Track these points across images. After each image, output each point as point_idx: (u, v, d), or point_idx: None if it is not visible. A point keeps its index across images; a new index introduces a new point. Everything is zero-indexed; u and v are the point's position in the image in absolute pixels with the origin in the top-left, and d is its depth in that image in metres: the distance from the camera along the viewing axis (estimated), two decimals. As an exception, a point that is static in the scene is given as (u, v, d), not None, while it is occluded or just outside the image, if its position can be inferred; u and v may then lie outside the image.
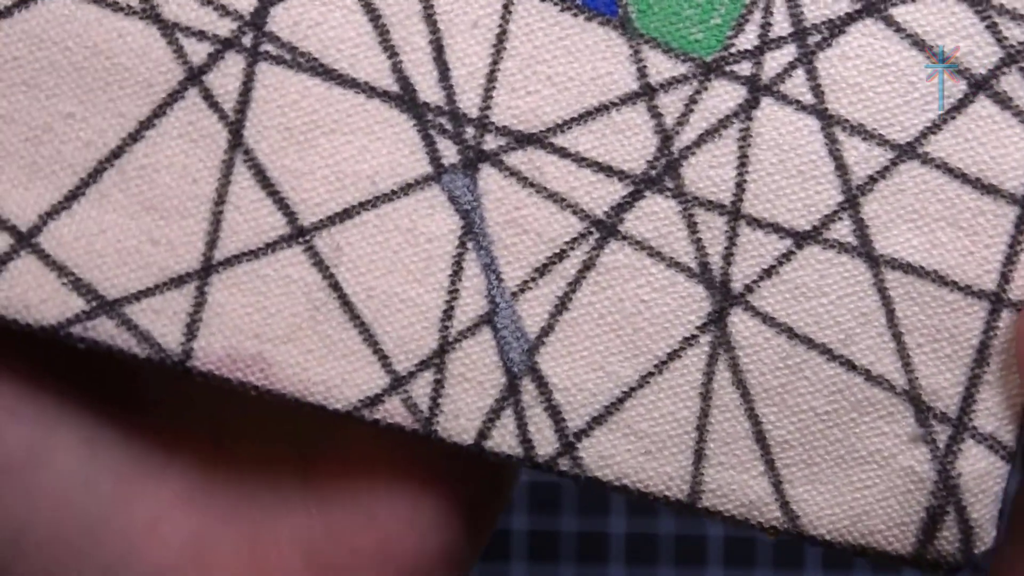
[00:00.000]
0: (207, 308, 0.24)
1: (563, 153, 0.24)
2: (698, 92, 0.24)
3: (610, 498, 0.60)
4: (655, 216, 0.24)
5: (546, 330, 0.24)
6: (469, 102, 0.24)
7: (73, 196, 0.24)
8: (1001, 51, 0.24)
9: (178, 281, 0.24)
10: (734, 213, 0.24)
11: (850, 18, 0.24)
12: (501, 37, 0.24)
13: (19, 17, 0.24)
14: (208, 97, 0.24)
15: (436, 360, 0.24)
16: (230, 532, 0.26)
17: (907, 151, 0.24)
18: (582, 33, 0.24)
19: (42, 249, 0.24)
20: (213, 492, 0.26)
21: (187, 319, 0.24)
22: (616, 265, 0.24)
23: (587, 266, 0.24)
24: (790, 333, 0.24)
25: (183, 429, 0.26)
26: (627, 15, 0.24)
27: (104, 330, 0.24)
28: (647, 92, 0.24)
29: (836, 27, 0.24)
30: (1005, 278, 0.24)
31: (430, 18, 0.24)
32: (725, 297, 0.24)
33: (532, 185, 0.24)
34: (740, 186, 0.24)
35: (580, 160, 0.24)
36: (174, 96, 0.24)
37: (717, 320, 0.24)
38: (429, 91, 0.24)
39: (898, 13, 0.24)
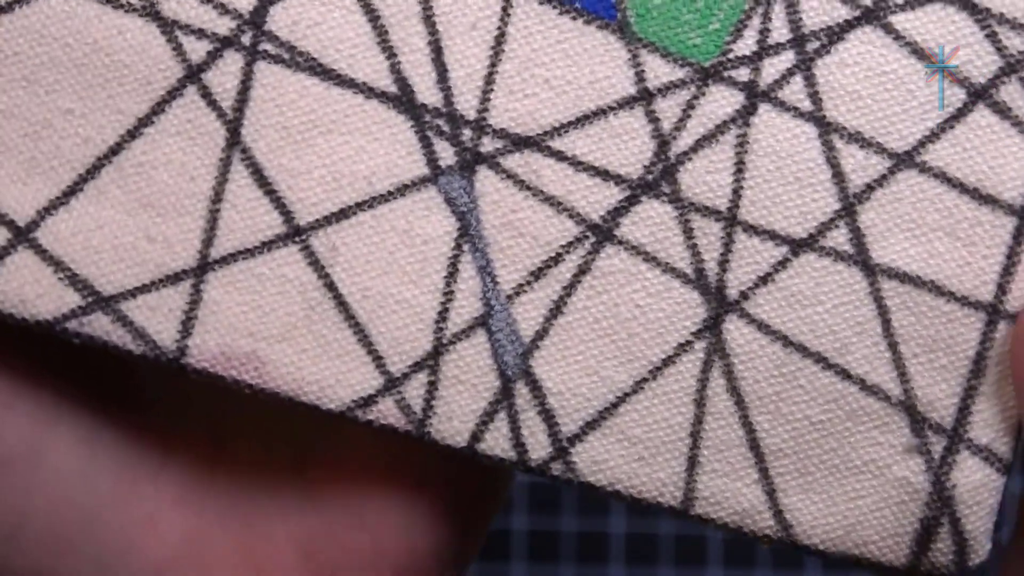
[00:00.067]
0: (202, 306, 0.24)
1: (560, 157, 0.24)
2: (696, 97, 0.24)
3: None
4: (651, 221, 0.24)
5: (540, 334, 0.24)
6: (467, 104, 0.24)
7: (71, 192, 0.24)
8: (1001, 60, 0.24)
9: (174, 278, 0.24)
10: (730, 219, 0.24)
11: (849, 25, 0.24)
12: (500, 39, 0.24)
13: (20, 13, 0.24)
14: (207, 95, 0.24)
15: (430, 362, 0.24)
16: (226, 529, 0.26)
17: (905, 160, 0.24)
18: (580, 36, 0.24)
19: (39, 244, 0.24)
20: (210, 491, 0.26)
21: (182, 316, 0.24)
22: (612, 270, 0.24)
23: (582, 270, 0.24)
24: (785, 341, 0.24)
25: (181, 429, 0.26)
26: (626, 19, 0.24)
27: (99, 326, 0.24)
28: (645, 97, 0.24)
29: (835, 34, 0.24)
30: (1002, 289, 0.24)
31: (429, 19, 0.24)
32: (720, 304, 0.24)
33: (529, 188, 0.24)
34: (737, 192, 0.24)
35: (577, 164, 0.24)
36: (173, 94, 0.24)
37: (712, 327, 0.24)
38: (427, 92, 0.24)
39: (897, 21, 0.24)
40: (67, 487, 0.25)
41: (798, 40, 0.24)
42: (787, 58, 0.24)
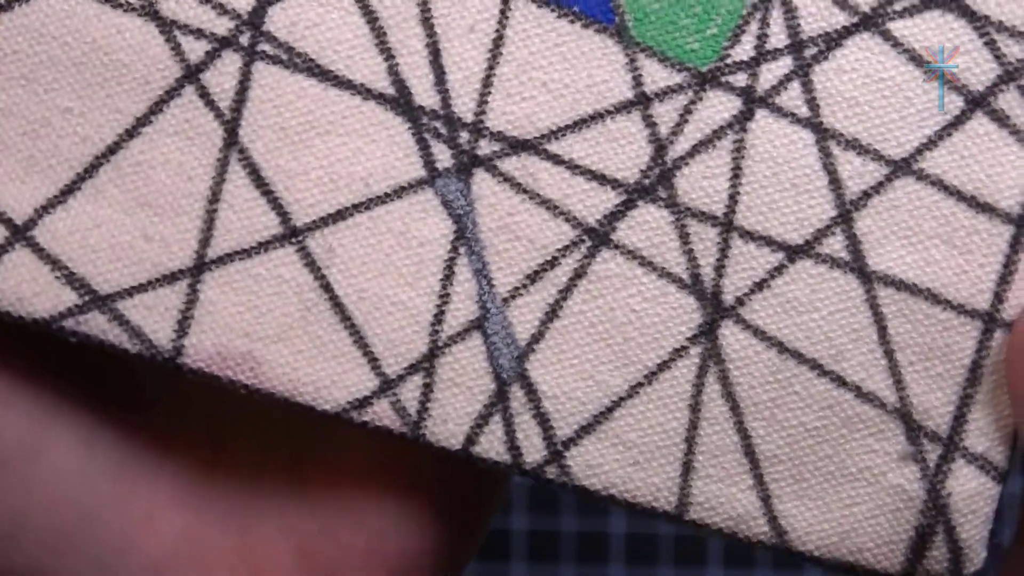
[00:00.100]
0: (199, 306, 0.24)
1: (557, 160, 0.24)
2: (693, 102, 0.24)
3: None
4: (647, 226, 0.24)
5: (536, 337, 0.24)
6: (464, 106, 0.24)
7: (69, 191, 0.24)
8: (999, 68, 0.23)
9: (171, 278, 0.24)
10: (727, 225, 0.24)
11: (847, 31, 0.24)
12: (497, 42, 0.24)
13: (19, 11, 0.24)
14: (204, 95, 0.24)
15: (426, 364, 0.24)
16: (225, 529, 0.26)
17: (902, 167, 0.24)
18: (578, 40, 0.24)
19: (37, 242, 0.24)
20: (209, 490, 0.26)
21: (178, 316, 0.24)
22: (608, 274, 0.24)
23: (578, 274, 0.24)
24: (780, 347, 0.24)
25: (180, 429, 0.26)
26: (624, 23, 0.24)
27: (96, 324, 0.24)
28: (642, 101, 0.24)
29: (833, 40, 0.24)
30: (999, 298, 0.24)
31: (427, 21, 0.24)
32: (716, 309, 0.24)
33: (525, 191, 0.24)
34: (733, 198, 0.24)
35: (574, 167, 0.24)
36: (171, 93, 0.24)
37: (708, 332, 0.24)
38: (425, 94, 0.24)
39: (895, 27, 0.24)
40: (66, 486, 0.25)
41: (796, 46, 0.24)
42: (785, 64, 0.24)
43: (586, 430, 0.24)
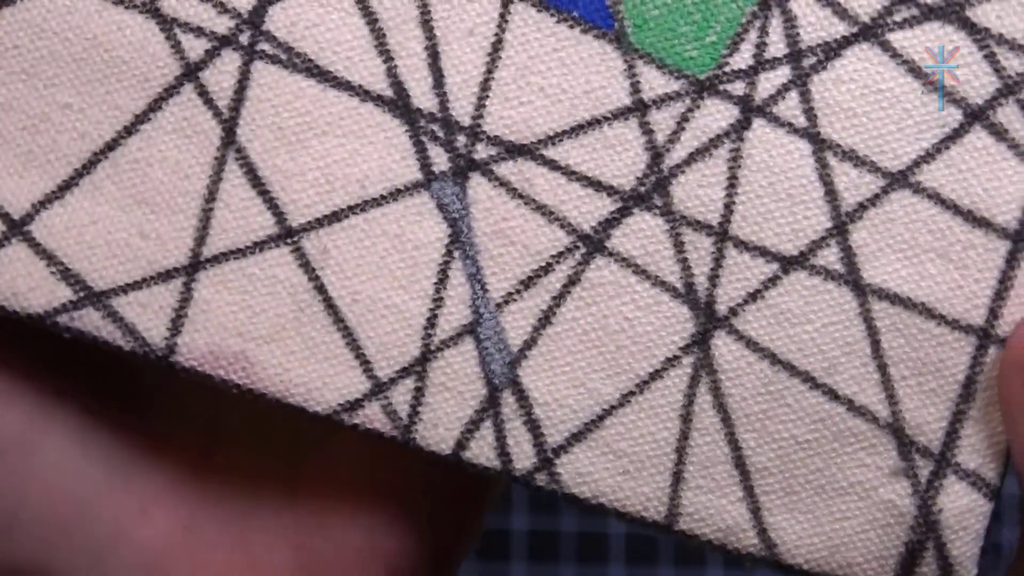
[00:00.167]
0: (192, 304, 0.24)
1: (553, 166, 0.24)
2: (690, 110, 0.24)
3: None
4: (642, 234, 0.24)
5: (529, 343, 0.24)
6: (462, 110, 0.24)
7: (66, 186, 0.24)
8: (999, 81, 0.23)
9: (165, 276, 0.24)
10: (721, 234, 0.24)
11: (846, 42, 0.23)
12: (496, 46, 0.24)
13: (21, 6, 0.24)
14: (203, 94, 0.24)
15: (417, 368, 0.24)
16: (220, 521, 0.26)
17: (899, 179, 0.24)
18: (577, 45, 0.24)
19: (33, 238, 0.24)
20: (204, 484, 0.26)
21: (172, 314, 0.24)
22: (601, 281, 0.24)
23: (572, 281, 0.24)
24: (773, 359, 0.24)
25: (177, 425, 0.26)
26: (623, 29, 0.24)
27: (90, 321, 0.24)
28: (639, 108, 0.24)
29: (832, 50, 0.23)
30: (994, 313, 0.24)
31: (427, 24, 0.24)
32: (709, 319, 0.24)
33: (521, 197, 0.24)
34: (728, 207, 0.24)
35: (570, 174, 0.24)
36: (170, 91, 0.24)
37: (700, 342, 0.24)
38: (423, 97, 0.24)
39: (895, 39, 0.23)
40: (61, 479, 0.25)
41: (795, 55, 0.23)
42: (783, 73, 0.23)
43: (577, 438, 0.24)
